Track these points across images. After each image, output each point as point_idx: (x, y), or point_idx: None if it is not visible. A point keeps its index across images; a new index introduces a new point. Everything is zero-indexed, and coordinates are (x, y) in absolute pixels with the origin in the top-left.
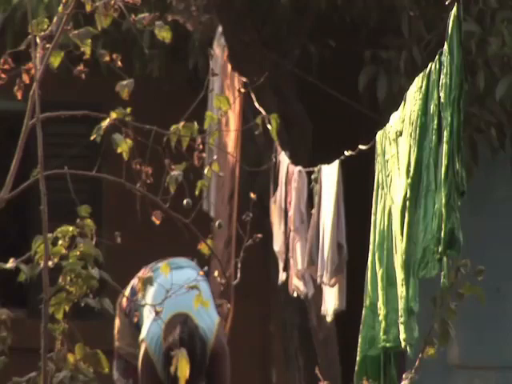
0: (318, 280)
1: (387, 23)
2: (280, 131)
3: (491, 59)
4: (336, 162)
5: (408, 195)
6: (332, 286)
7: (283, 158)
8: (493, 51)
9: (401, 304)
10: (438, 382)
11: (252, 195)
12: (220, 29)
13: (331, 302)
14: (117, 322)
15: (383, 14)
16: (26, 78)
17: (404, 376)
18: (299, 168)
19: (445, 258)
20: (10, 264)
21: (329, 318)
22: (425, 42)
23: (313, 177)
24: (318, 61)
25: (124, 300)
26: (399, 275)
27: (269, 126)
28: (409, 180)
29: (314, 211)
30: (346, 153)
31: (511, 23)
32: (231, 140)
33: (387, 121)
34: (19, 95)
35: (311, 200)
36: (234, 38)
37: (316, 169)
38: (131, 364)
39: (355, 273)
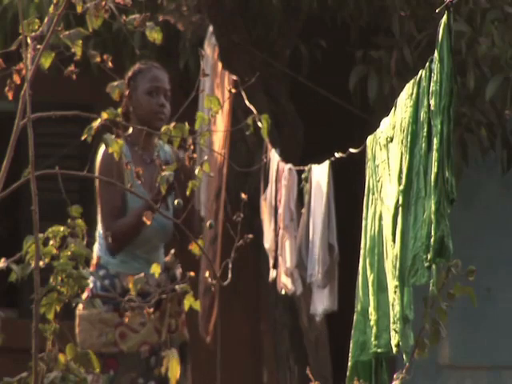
0: (308, 280)
1: (378, 23)
2: (271, 131)
3: (481, 59)
4: (326, 163)
5: (400, 202)
6: (323, 286)
7: (273, 155)
8: (483, 51)
9: (395, 311)
10: (429, 382)
11: (243, 195)
12: (211, 28)
13: (321, 302)
14: (79, 320)
15: (374, 13)
16: (16, 79)
17: (395, 376)
18: (289, 166)
19: (434, 266)
20: (1, 264)
21: (318, 318)
22: (415, 41)
23: (303, 176)
24: (308, 61)
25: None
26: (391, 281)
27: (260, 125)
28: (401, 187)
29: (303, 210)
30: (337, 154)
31: (501, 23)
32: (218, 139)
33: (378, 121)
34: (10, 95)
35: (302, 199)
36: (225, 37)
37: (306, 168)
38: (106, 355)
39: (347, 274)
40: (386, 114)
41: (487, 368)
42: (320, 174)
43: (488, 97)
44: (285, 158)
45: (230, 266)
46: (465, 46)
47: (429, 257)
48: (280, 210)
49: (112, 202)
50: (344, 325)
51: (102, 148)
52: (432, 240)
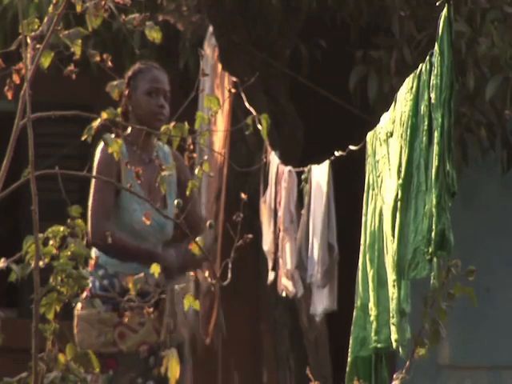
0: (308, 280)
1: (378, 23)
2: (270, 131)
3: (481, 59)
4: (326, 163)
5: (399, 196)
6: (323, 286)
7: (273, 158)
8: (483, 51)
9: (392, 305)
10: (428, 382)
11: (243, 195)
12: (211, 28)
13: (321, 302)
14: (77, 320)
15: (374, 13)
16: (16, 78)
17: (395, 376)
18: (289, 168)
19: (435, 259)
20: (1, 264)
21: (317, 318)
22: (415, 41)
23: (303, 177)
24: (308, 61)
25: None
26: (390, 276)
27: (259, 126)
28: (400, 181)
29: (303, 211)
30: (336, 153)
31: (501, 23)
32: (219, 139)
33: (378, 121)
34: (10, 95)
35: (301, 200)
36: (225, 37)
37: (306, 169)
38: (105, 355)
39: (346, 273)
40: None
41: (487, 368)
42: (320, 173)
43: (488, 97)
44: (285, 158)
45: (230, 266)
46: (464, 46)
47: (430, 250)
48: (280, 213)
49: (105, 201)
50: (344, 325)
51: (100, 146)
52: (433, 233)
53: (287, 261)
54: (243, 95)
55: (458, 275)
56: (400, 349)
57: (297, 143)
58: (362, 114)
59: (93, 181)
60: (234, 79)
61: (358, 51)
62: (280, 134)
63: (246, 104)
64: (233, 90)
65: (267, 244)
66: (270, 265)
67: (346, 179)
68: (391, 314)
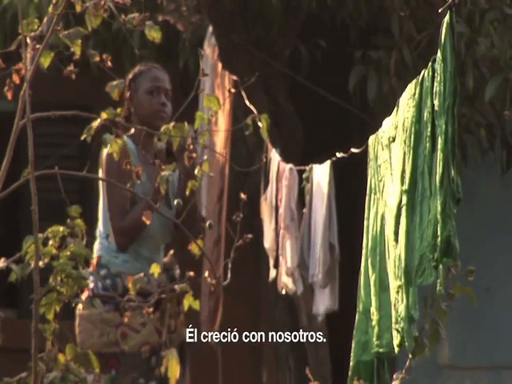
0: (310, 280)
1: (377, 23)
2: (270, 131)
3: (480, 60)
4: (327, 163)
5: (404, 202)
6: (324, 286)
7: (274, 155)
8: (482, 52)
9: (399, 311)
10: (428, 382)
11: (242, 195)
12: (210, 28)
13: (322, 301)
14: (79, 319)
15: (373, 14)
16: (16, 79)
17: (394, 376)
18: (290, 166)
19: (441, 266)
20: (1, 264)
21: (319, 318)
22: (415, 42)
23: (304, 176)
24: (308, 61)
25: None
26: (393, 281)
27: (260, 125)
28: (405, 187)
29: (305, 210)
30: (338, 154)
31: (500, 24)
32: (220, 140)
33: (377, 121)
34: (9, 95)
35: (302, 198)
36: (225, 38)
37: (307, 168)
38: (107, 355)
39: (346, 273)
40: (386, 114)
41: (487, 368)
42: (321, 174)
43: (487, 98)
44: (284, 157)
45: (230, 265)
46: (464, 46)
47: (435, 257)
48: (281, 210)
49: (123, 202)
50: (344, 325)
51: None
52: (439, 240)
53: (288, 258)
54: (243, 95)
55: (457, 275)
56: (409, 355)
57: (296, 143)
58: (361, 115)
59: (104, 185)
60: (235, 78)
61: (357, 51)
62: (279, 133)
63: (247, 103)
64: (233, 90)
65: (268, 241)
66: (272, 262)
67: (346, 178)
68: (395, 320)
